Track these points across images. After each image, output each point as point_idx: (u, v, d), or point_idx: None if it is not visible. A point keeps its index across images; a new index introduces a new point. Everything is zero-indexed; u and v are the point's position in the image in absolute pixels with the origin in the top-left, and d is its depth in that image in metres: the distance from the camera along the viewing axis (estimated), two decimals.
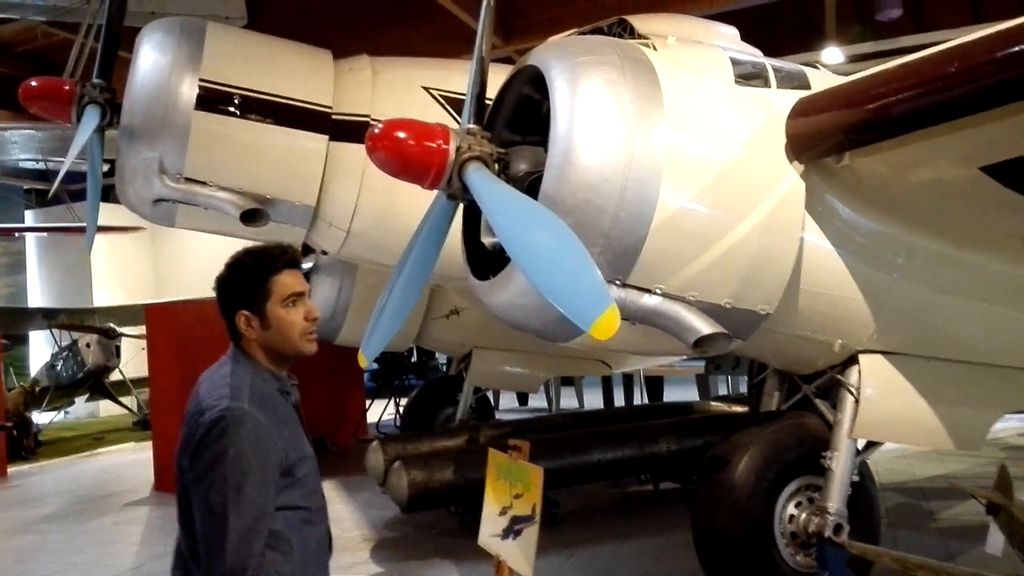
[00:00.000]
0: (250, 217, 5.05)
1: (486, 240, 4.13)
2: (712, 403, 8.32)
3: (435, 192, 5.42)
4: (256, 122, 5.03)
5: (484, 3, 3.69)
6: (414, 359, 13.58)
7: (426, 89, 5.47)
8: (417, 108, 5.42)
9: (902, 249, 3.77)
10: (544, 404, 13.39)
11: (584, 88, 3.22)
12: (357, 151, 5.23)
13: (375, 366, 12.36)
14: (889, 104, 3.16)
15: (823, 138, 3.40)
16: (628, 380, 11.99)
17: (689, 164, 3.23)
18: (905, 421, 3.93)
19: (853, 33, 13.11)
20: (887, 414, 3.91)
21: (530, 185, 3.53)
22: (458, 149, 3.40)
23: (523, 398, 14.15)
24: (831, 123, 3.36)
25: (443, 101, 5.47)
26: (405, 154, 3.40)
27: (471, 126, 3.51)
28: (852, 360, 3.96)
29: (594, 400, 13.09)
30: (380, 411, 12.10)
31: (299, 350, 2.40)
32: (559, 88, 3.30)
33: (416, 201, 5.42)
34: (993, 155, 3.10)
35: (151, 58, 4.93)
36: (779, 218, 3.41)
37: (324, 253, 5.78)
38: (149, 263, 17.93)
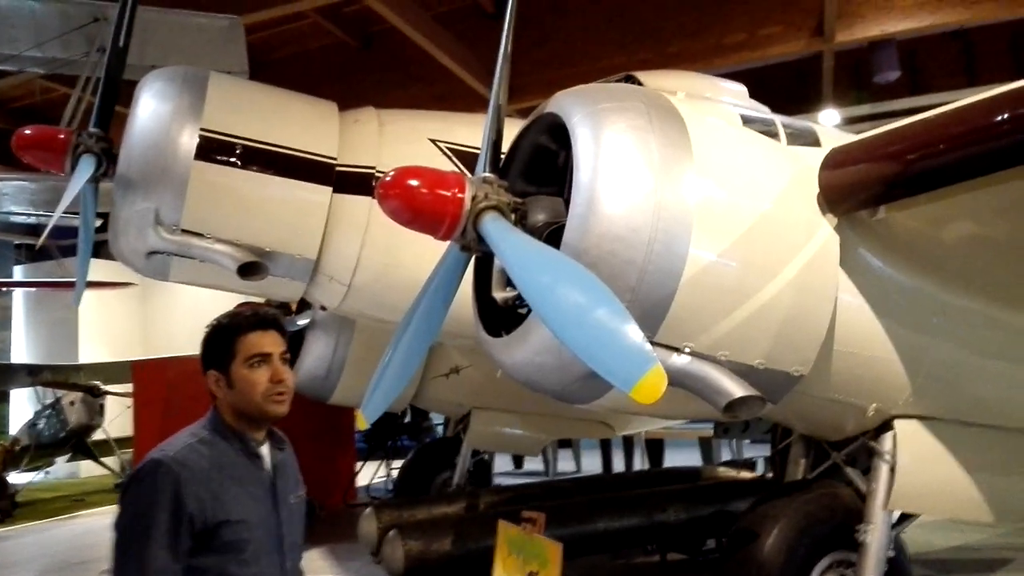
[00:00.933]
0: (248, 271, 4.85)
1: (498, 295, 3.94)
2: (719, 468, 8.03)
3: (443, 245, 5.30)
4: (257, 173, 4.87)
5: (500, 51, 3.57)
6: (407, 419, 13.22)
7: (433, 141, 5.33)
8: (423, 160, 5.22)
9: (938, 307, 3.59)
10: (541, 467, 13.02)
11: (609, 134, 3.07)
12: (361, 203, 5.08)
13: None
14: (932, 154, 3.01)
15: (858, 190, 3.25)
16: (628, 443, 11.67)
17: (720, 216, 3.06)
18: (943, 491, 3.70)
19: (850, 96, 13.22)
20: (925, 484, 3.67)
21: (548, 237, 3.36)
22: (474, 198, 3.23)
23: (519, 461, 13.76)
24: (867, 174, 3.21)
25: (449, 153, 5.34)
26: (418, 202, 3.21)
27: (487, 175, 3.35)
28: (886, 426, 3.74)
29: (592, 463, 12.75)
30: (371, 474, 11.72)
31: (262, 411, 2.40)
32: (582, 135, 3.15)
33: (421, 255, 5.25)
34: None
35: (151, 106, 4.78)
36: (814, 273, 3.23)
37: (323, 308, 5.56)
38: (137, 320, 17.60)
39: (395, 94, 12.04)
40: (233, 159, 4.82)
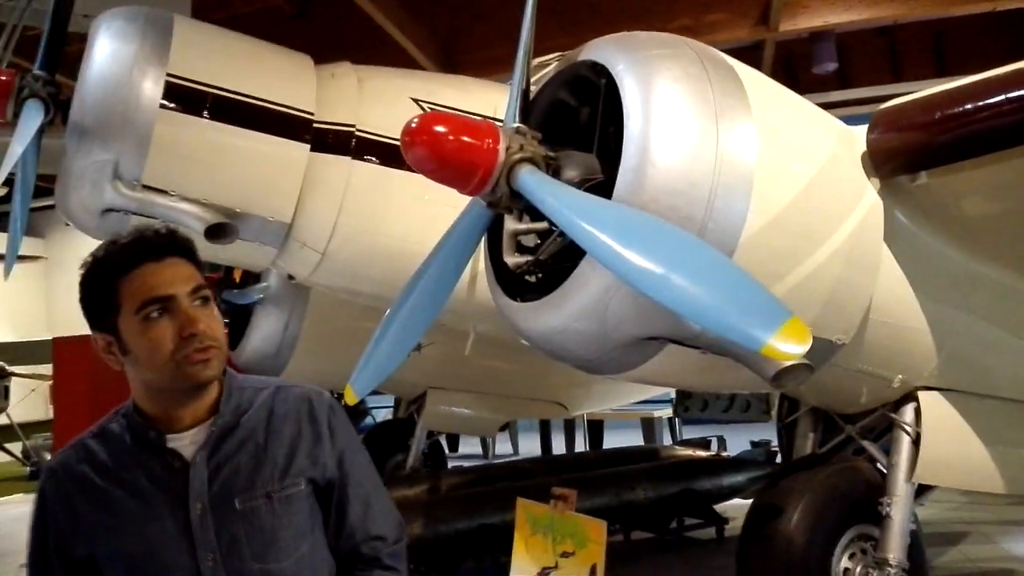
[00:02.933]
0: (216, 233, 4.42)
1: (510, 260, 3.67)
2: (676, 448, 7.98)
3: (432, 213, 4.98)
4: (229, 125, 4.43)
5: None
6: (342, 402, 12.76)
7: (416, 100, 5.00)
8: (406, 119, 4.94)
9: (968, 279, 3.54)
10: (478, 450, 12.82)
11: (664, 81, 2.85)
12: (339, 163, 4.72)
13: None
14: (985, 116, 2.92)
15: (907, 153, 3.14)
16: (570, 425, 11.59)
17: (779, 175, 2.89)
18: (964, 463, 3.67)
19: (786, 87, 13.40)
20: (947, 456, 3.63)
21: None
22: (507, 149, 2.96)
23: (454, 443, 13.52)
24: (918, 136, 3.10)
25: None
26: (448, 151, 2.92)
27: (519, 124, 3.08)
28: (907, 398, 3.67)
29: (530, 446, 12.62)
30: None
31: (176, 380, 1.72)
32: (631, 83, 2.91)
33: (405, 223, 4.94)
34: None
35: (110, 47, 4.27)
36: (861, 240, 3.11)
37: (291, 278, 5.16)
38: (41, 297, 16.48)
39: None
40: (202, 109, 4.37)
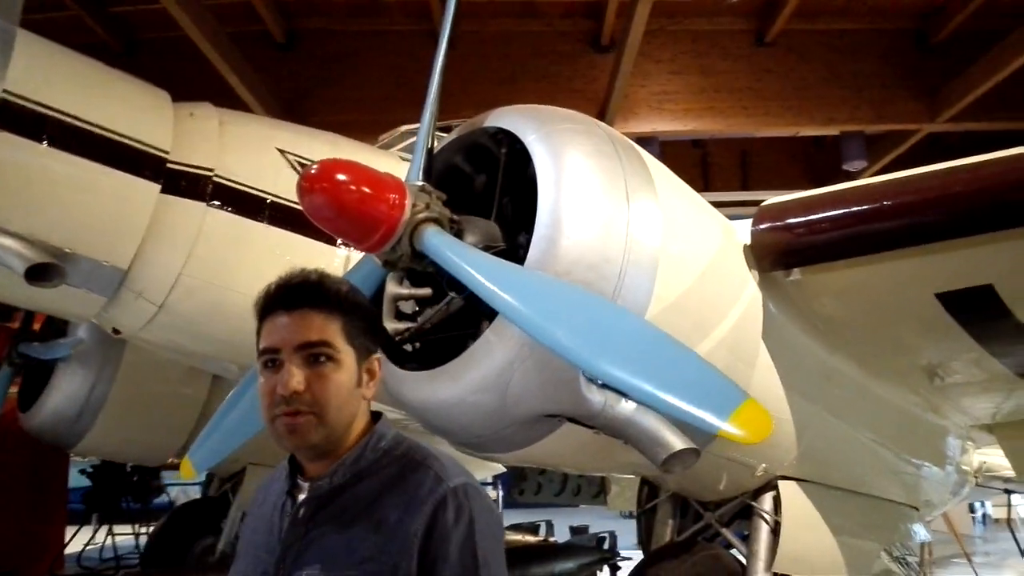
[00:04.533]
0: (38, 275, 3.89)
1: (389, 325, 3.46)
2: (508, 533, 7.82)
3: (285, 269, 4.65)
4: (70, 155, 3.95)
5: (440, 44, 3.25)
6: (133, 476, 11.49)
7: (282, 152, 4.73)
8: (271, 171, 4.66)
9: (824, 374, 3.73)
10: None
11: (579, 153, 2.83)
12: (193, 208, 4.34)
13: (86, 483, 10.25)
14: (865, 217, 3.14)
15: (786, 248, 3.30)
16: None
17: (679, 260, 2.92)
18: (817, 553, 3.78)
19: None
20: (804, 545, 3.73)
21: None
22: (413, 207, 2.81)
23: None
24: (801, 233, 3.27)
25: (300, 168, 4.75)
26: (351, 202, 2.71)
27: (423, 183, 2.95)
28: (767, 487, 3.77)
29: None
30: (86, 541, 9.99)
31: (274, 438, 1.75)
32: (543, 153, 2.87)
33: (259, 278, 4.54)
34: (951, 283, 3.17)
35: None
36: (744, 329, 3.20)
37: (116, 332, 4.61)
38: None
39: None
40: (41, 133, 3.87)
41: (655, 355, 2.17)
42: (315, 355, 1.70)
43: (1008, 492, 7.80)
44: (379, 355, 1.91)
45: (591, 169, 2.81)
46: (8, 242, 3.83)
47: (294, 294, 1.74)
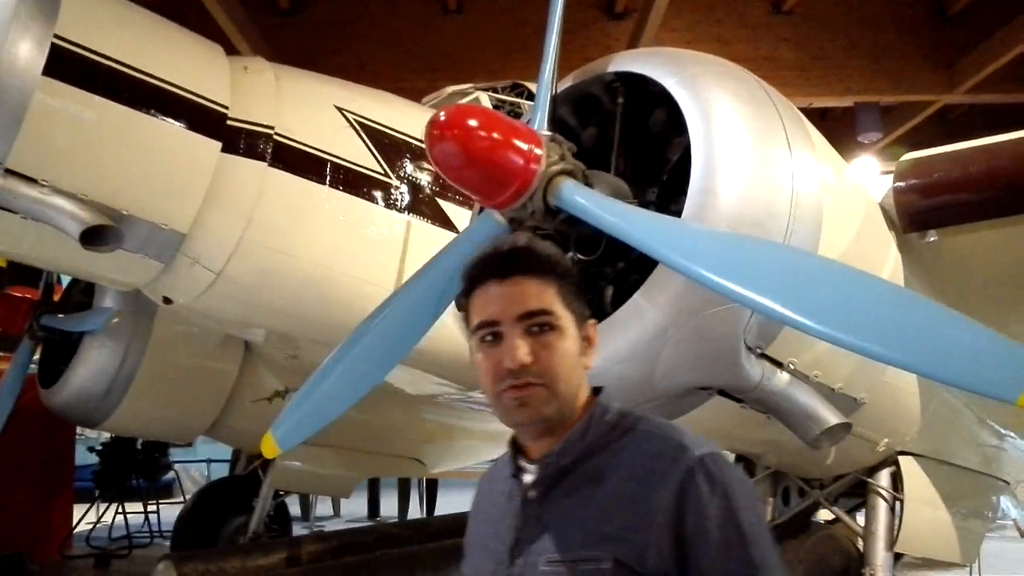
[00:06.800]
0: (94, 238, 3.56)
1: None
2: None
3: (354, 235, 4.35)
4: (127, 108, 3.62)
5: None
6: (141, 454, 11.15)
7: (339, 109, 4.41)
8: (330, 130, 4.35)
9: None
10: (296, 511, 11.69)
11: (731, 99, 2.56)
12: (253, 169, 4.03)
13: (94, 460, 9.93)
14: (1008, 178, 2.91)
15: (932, 207, 3.05)
16: (404, 484, 10.89)
17: (839, 214, 2.67)
18: (934, 532, 3.59)
19: None
20: (925, 523, 3.53)
21: None
22: (548, 158, 2.53)
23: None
24: (945, 190, 3.03)
25: (358, 128, 4.45)
26: (486, 150, 2.42)
27: (551, 133, 2.67)
28: (884, 462, 3.55)
29: (355, 507, 11.74)
30: (95, 520, 9.69)
31: (501, 416, 1.59)
32: (689, 97, 2.59)
33: (321, 244, 4.27)
34: None
35: None
36: None
37: (167, 302, 4.29)
38: None
39: None
40: (95, 84, 3.54)
41: (919, 321, 1.86)
42: (539, 324, 1.54)
43: None
44: (593, 320, 1.64)
45: (747, 115, 2.55)
46: (61, 202, 3.50)
47: (505, 262, 1.58)
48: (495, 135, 2.44)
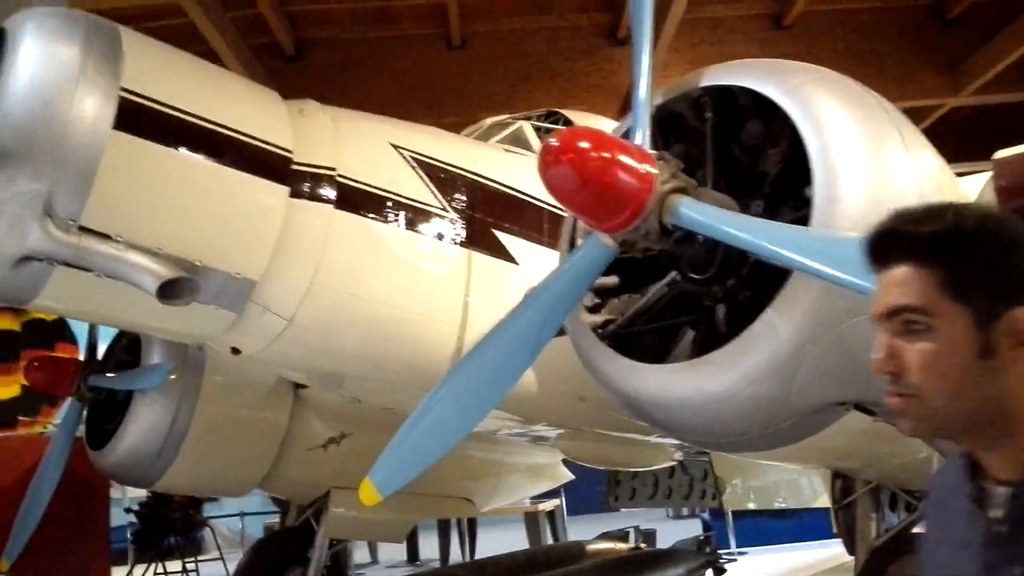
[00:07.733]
0: (171, 292, 3.48)
1: (587, 318, 3.13)
2: (601, 543, 7.46)
3: (416, 274, 4.27)
4: (196, 157, 3.57)
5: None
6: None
7: (395, 147, 4.37)
8: (388, 168, 4.30)
9: None
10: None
11: (847, 107, 2.52)
12: (320, 212, 3.98)
13: (132, 520, 9.76)
14: None
15: None
16: (444, 524, 10.70)
17: None
18: None
19: None
20: None
21: None
22: (660, 177, 2.49)
23: None
24: None
25: (415, 164, 4.40)
26: (601, 175, 2.39)
27: (658, 151, 2.63)
28: None
29: (393, 552, 11.54)
30: None
31: None
32: (796, 106, 2.56)
33: (388, 283, 4.20)
34: None
35: (44, 49, 3.31)
36: None
37: (235, 352, 4.21)
38: None
39: None
40: (164, 135, 3.49)
41: None
42: (910, 322, 1.29)
43: None
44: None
45: (860, 119, 2.51)
46: (137, 258, 3.43)
47: (878, 245, 1.36)
48: (610, 158, 2.40)
